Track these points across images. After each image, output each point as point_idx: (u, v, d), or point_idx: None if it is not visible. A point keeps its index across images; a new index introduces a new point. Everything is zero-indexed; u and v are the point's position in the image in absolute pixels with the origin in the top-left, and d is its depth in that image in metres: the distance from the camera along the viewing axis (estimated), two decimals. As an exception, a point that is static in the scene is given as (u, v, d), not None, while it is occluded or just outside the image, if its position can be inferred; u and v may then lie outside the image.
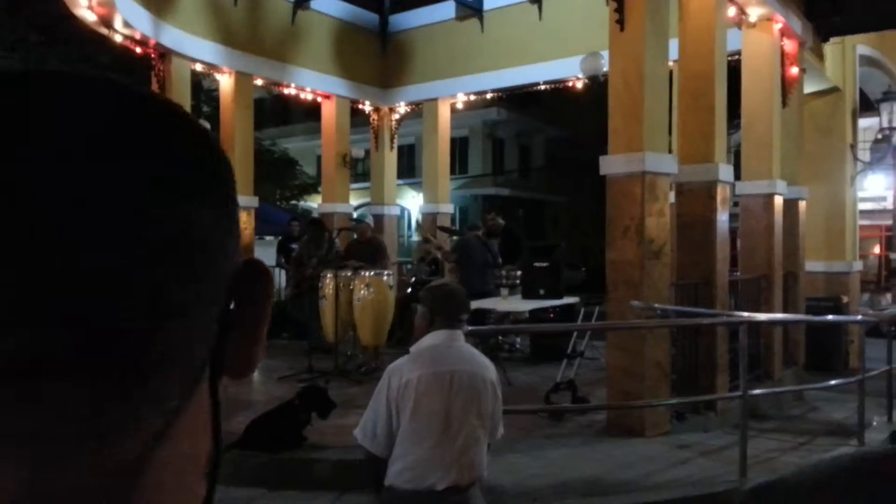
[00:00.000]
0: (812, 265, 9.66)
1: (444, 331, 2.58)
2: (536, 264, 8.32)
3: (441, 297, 2.64)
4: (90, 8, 7.67)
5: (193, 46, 9.22)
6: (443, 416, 2.44)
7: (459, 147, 28.14)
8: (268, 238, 13.83)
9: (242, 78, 9.96)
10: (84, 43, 12.19)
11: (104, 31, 8.35)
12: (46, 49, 15.89)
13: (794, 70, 8.35)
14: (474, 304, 7.78)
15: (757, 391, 5.88)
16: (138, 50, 8.87)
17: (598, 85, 7.30)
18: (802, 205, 8.86)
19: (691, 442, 5.50)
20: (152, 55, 8.90)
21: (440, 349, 2.55)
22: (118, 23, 8.11)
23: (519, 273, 8.55)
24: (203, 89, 15.61)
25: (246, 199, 10.00)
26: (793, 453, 5.39)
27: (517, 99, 23.95)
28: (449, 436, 2.44)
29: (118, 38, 8.56)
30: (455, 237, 9.98)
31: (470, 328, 4.94)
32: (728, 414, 6.03)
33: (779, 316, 7.43)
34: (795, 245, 8.64)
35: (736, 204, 8.54)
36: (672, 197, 6.42)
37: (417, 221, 12.80)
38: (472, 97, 11.68)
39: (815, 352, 8.66)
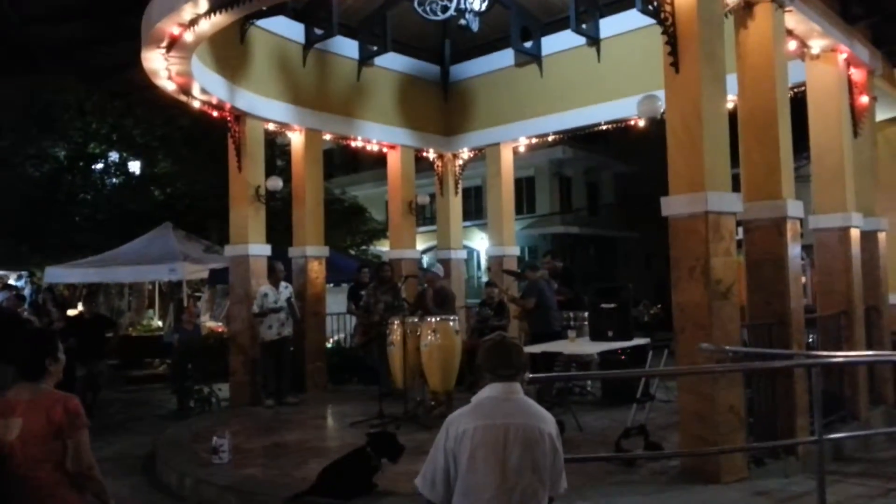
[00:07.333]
0: (898, 298, 9.25)
1: (501, 383, 2.61)
2: (603, 305, 8.23)
3: (484, 353, 2.69)
4: (170, 78, 8.21)
5: (266, 107, 9.74)
6: (498, 468, 2.46)
7: (526, 187, 28.15)
8: (334, 286, 14.08)
9: (312, 134, 10.40)
10: (165, 107, 13.00)
11: (183, 98, 8.90)
12: (130, 115, 17.01)
13: (864, 99, 8.14)
14: (542, 348, 7.79)
15: (835, 435, 5.63)
16: (215, 113, 9.43)
17: (655, 125, 7.29)
18: (882, 236, 8.53)
19: (770, 488, 5.29)
20: (228, 118, 9.45)
21: (497, 401, 2.58)
22: (196, 90, 8.65)
23: (585, 315, 8.47)
24: (277, 145, 16.30)
25: (317, 249, 10.36)
26: (880, 499, 5.12)
27: (583, 136, 23.73)
28: (505, 489, 2.45)
29: (196, 104, 9.12)
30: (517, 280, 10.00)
31: (531, 375, 4.95)
32: (810, 458, 5.76)
33: (856, 354, 7.05)
34: (877, 278, 8.33)
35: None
36: (740, 234, 6.29)
37: (488, 268, 12.91)
38: (535, 140, 11.80)
39: (907, 389, 8.20)
